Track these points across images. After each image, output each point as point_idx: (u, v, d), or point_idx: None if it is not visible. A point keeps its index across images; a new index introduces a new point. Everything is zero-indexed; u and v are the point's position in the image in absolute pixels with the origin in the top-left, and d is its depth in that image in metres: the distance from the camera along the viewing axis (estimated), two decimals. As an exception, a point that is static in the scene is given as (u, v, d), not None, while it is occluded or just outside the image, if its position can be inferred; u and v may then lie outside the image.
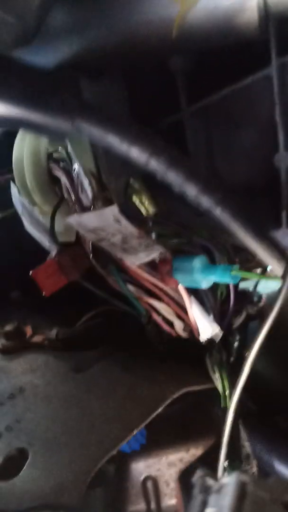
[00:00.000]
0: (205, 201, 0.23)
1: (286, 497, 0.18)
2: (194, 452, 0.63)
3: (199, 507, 0.20)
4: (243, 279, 0.86)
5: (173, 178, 0.22)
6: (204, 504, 0.20)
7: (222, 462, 0.34)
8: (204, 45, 0.48)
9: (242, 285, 0.79)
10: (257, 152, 0.54)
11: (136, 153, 0.21)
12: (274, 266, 0.26)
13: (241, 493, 0.18)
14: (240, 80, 0.50)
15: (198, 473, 0.23)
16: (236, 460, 0.37)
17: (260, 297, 0.69)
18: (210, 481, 0.22)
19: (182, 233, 0.46)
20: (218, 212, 0.24)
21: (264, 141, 0.53)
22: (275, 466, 0.48)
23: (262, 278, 0.32)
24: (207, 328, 0.45)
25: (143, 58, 0.52)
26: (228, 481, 0.19)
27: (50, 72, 0.20)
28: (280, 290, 0.28)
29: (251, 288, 0.76)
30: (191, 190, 0.23)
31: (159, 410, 0.44)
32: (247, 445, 0.38)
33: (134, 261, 0.38)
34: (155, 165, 0.22)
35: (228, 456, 0.36)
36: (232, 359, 0.57)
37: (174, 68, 0.53)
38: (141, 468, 0.64)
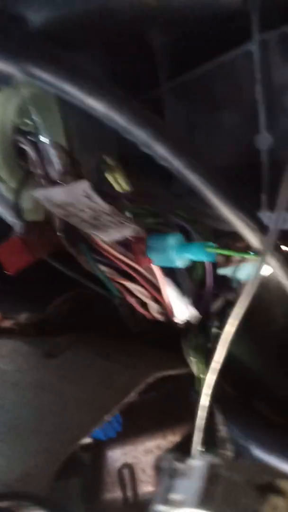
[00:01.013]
0: (175, 163, 0.21)
1: (259, 480, 0.17)
2: (171, 438, 0.62)
3: (165, 492, 0.19)
4: (223, 266, 0.85)
5: (138, 134, 0.20)
6: (169, 489, 0.19)
7: (196, 446, 0.33)
8: (185, 15, 0.45)
9: (222, 271, 0.78)
10: (239, 132, 0.52)
11: (95, 104, 0.19)
12: (250, 238, 0.25)
13: (212, 476, 0.17)
14: (221, 56, 0.48)
15: (166, 457, 0.21)
16: (210, 444, 0.35)
17: (239, 283, 0.68)
18: (178, 465, 0.20)
19: (158, 213, 0.44)
20: (190, 176, 0.22)
21: (246, 121, 0.51)
22: (252, 451, 0.48)
23: (237, 254, 0.30)
24: (182, 309, 0.44)
25: (121, 29, 0.50)
26: (197, 463, 0.18)
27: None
28: (257, 267, 0.26)
29: (230, 274, 0.75)
30: (158, 150, 0.21)
31: (132, 395, 0.43)
32: (222, 429, 0.37)
33: (104, 238, 0.36)
34: (117, 118, 0.19)
35: (204, 441, 0.35)
36: (210, 345, 0.55)
37: (154, 41, 0.51)
38: (117, 455, 0.63)
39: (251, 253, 0.28)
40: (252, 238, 0.25)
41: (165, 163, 0.22)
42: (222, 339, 0.28)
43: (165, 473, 0.20)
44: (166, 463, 0.20)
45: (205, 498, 0.17)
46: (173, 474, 0.20)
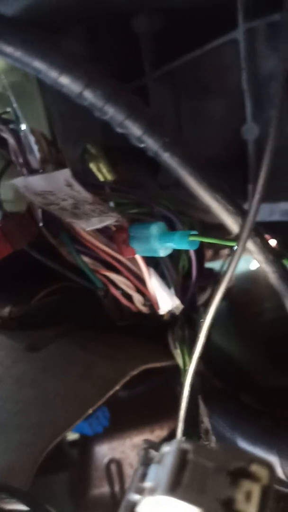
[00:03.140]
0: (152, 144, 0.21)
1: (232, 466, 0.16)
2: (159, 433, 0.62)
3: (138, 480, 0.18)
4: (211, 259, 0.85)
5: (113, 113, 0.19)
6: (143, 477, 0.18)
7: (180, 437, 0.33)
8: (171, 2, 0.45)
9: (210, 264, 0.78)
10: (226, 122, 0.52)
11: (68, 82, 0.18)
12: (228, 221, 0.24)
13: (181, 462, 0.16)
14: (207, 44, 0.47)
15: (142, 445, 0.21)
16: (193, 436, 0.35)
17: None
18: (152, 452, 0.19)
19: (142, 203, 0.44)
20: (166, 158, 0.21)
21: (232, 110, 0.51)
22: (238, 443, 0.47)
23: (219, 242, 0.30)
24: (166, 300, 0.43)
25: (105, 15, 0.49)
26: (168, 449, 0.17)
27: None
28: (236, 251, 0.25)
29: (218, 268, 0.75)
30: (135, 130, 0.20)
31: (117, 388, 0.42)
32: (206, 421, 0.36)
33: (85, 227, 0.35)
34: (91, 97, 0.19)
35: (189, 433, 0.35)
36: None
37: (138, 28, 0.50)
38: (104, 450, 0.63)
39: (229, 239, 0.28)
40: (230, 221, 0.24)
41: (140, 143, 0.21)
42: (203, 330, 0.28)
43: (139, 461, 0.20)
44: (141, 451, 0.20)
45: (173, 484, 0.16)
46: (147, 461, 0.19)
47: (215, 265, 0.77)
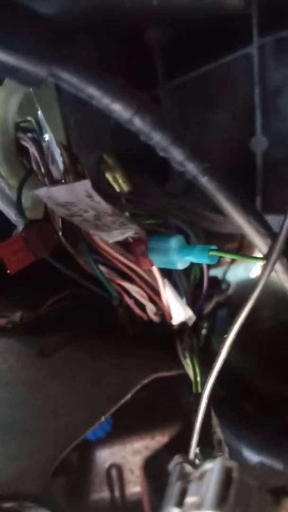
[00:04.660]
0: (192, 168, 0.21)
1: (272, 484, 0.17)
2: (160, 439, 0.62)
3: (178, 496, 0.19)
4: (213, 267, 0.86)
5: (159, 139, 0.20)
6: (183, 493, 0.19)
7: (194, 448, 0.33)
8: (185, 15, 0.45)
9: (212, 272, 0.79)
10: (234, 134, 0.53)
11: (119, 109, 0.19)
12: (258, 243, 0.25)
13: (227, 480, 0.17)
14: (219, 58, 0.48)
15: (175, 460, 0.21)
16: (207, 446, 0.36)
17: (228, 285, 0.69)
18: (188, 468, 0.20)
19: (157, 214, 0.44)
20: (205, 181, 0.22)
21: (241, 123, 0.52)
22: (243, 452, 0.48)
23: (241, 258, 0.31)
24: (180, 311, 0.44)
25: (119, 26, 0.49)
26: (211, 467, 0.18)
27: (26, 7, 0.18)
28: (263, 271, 0.26)
29: (220, 276, 0.76)
30: (177, 155, 0.21)
31: (128, 396, 0.43)
32: (218, 431, 0.37)
33: (108, 239, 0.36)
34: (139, 123, 0.20)
35: (201, 443, 0.35)
36: (200, 345, 0.56)
37: (152, 39, 0.51)
38: (105, 455, 0.63)
39: (257, 257, 0.29)
40: (260, 243, 0.25)
41: (181, 167, 0.22)
42: (226, 344, 0.28)
43: (175, 476, 0.20)
44: (176, 466, 0.20)
45: (219, 501, 0.17)
46: (183, 476, 0.20)
47: (217, 272, 0.78)
